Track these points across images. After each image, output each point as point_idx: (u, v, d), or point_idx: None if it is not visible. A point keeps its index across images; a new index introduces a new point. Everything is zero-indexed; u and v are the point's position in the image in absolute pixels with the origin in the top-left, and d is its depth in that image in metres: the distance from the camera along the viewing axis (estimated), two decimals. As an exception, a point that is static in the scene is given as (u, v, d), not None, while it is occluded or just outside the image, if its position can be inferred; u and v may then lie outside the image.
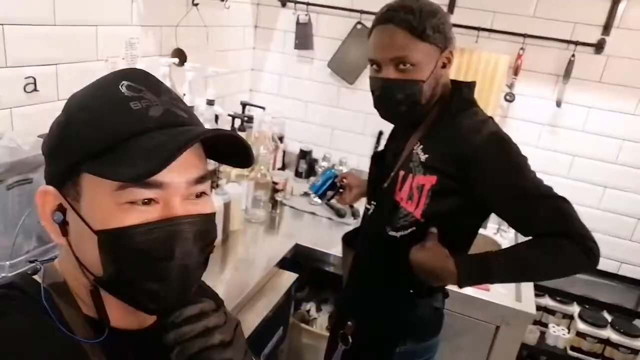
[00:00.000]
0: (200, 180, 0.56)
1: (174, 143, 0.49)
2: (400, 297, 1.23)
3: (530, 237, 1.07)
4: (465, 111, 1.14)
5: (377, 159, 1.34)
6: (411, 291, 1.21)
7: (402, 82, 1.10)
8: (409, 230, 1.16)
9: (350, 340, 1.30)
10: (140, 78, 0.56)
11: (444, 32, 1.10)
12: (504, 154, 1.08)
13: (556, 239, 1.03)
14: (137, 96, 0.53)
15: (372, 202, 1.29)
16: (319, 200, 1.76)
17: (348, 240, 1.44)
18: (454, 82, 1.20)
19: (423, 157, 1.14)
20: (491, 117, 1.16)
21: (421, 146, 1.15)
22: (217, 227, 0.61)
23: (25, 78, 1.32)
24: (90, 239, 0.52)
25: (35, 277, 0.57)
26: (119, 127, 0.51)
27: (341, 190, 1.53)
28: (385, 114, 1.19)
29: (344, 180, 1.51)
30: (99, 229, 0.51)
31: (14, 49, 1.28)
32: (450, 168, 1.10)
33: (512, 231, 2.18)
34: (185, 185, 0.54)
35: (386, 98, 1.14)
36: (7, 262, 0.96)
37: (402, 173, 1.18)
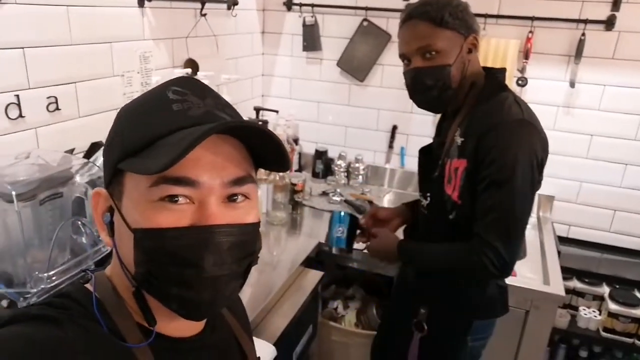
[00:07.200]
0: (238, 181, 0.54)
1: (196, 135, 0.48)
2: (470, 279, 1.28)
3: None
4: (498, 95, 1.19)
5: (425, 152, 1.39)
6: None
7: (430, 69, 1.17)
8: (455, 214, 1.20)
9: (426, 326, 1.34)
10: (187, 83, 0.56)
11: (464, 19, 1.17)
12: (512, 141, 1.10)
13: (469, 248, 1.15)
14: (181, 99, 0.54)
15: (427, 195, 1.32)
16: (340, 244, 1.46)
17: (409, 234, 1.49)
18: (485, 68, 1.25)
19: (459, 141, 1.19)
20: (524, 104, 1.18)
21: (459, 131, 1.20)
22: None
23: (47, 98, 1.37)
24: (128, 237, 0.53)
25: (87, 285, 0.58)
26: (156, 126, 0.52)
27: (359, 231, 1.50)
28: (420, 102, 1.25)
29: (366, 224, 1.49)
30: (135, 227, 0.52)
31: (35, 71, 1.33)
32: (474, 148, 1.14)
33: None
34: (220, 186, 0.52)
35: (418, 86, 1.21)
36: (45, 275, 0.99)
37: (447, 160, 1.23)
